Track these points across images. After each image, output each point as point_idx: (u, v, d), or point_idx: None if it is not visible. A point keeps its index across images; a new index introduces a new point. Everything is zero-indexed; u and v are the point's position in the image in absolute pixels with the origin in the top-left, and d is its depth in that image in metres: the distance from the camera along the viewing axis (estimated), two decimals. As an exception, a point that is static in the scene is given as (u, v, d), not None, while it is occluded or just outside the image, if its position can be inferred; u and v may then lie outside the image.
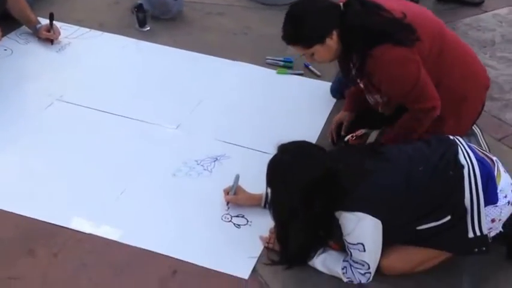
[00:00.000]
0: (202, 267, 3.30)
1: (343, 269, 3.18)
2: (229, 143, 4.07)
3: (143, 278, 3.23)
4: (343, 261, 3.19)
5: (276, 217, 3.25)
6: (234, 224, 3.56)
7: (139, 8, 5.24)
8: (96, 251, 3.36)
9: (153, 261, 3.32)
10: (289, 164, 3.08)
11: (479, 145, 3.75)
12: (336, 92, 4.44)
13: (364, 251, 3.06)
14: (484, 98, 3.84)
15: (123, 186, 3.74)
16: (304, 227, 3.15)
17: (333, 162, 3.10)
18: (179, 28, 5.41)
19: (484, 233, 3.06)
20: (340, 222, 3.06)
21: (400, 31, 3.37)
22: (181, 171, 3.88)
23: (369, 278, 3.16)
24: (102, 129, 4.19)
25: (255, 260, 3.35)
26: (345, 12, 3.40)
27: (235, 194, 3.61)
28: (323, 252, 3.27)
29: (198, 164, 3.93)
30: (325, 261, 3.25)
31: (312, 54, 3.52)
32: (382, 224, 3.02)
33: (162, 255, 3.34)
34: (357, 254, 3.09)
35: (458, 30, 5.56)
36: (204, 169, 3.91)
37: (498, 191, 3.08)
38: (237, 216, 3.60)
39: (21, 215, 3.51)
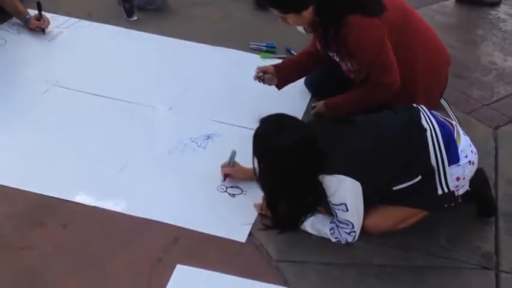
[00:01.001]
0: (202, 233, 3.46)
1: (330, 229, 3.38)
2: (220, 122, 4.22)
3: (148, 245, 3.38)
4: (331, 222, 3.39)
5: (264, 186, 3.43)
6: (229, 194, 3.72)
7: (126, -2, 5.36)
8: (102, 222, 3.50)
9: (156, 229, 3.47)
10: (271, 133, 3.27)
11: (449, 116, 3.89)
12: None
13: (347, 210, 3.26)
14: (447, 72, 4.05)
15: (123, 163, 3.88)
16: (291, 194, 3.35)
17: (310, 130, 3.31)
18: (165, 18, 5.53)
19: (451, 190, 3.29)
20: (324, 185, 3.25)
21: (369, 1, 3.60)
22: (176, 148, 4.03)
23: (354, 237, 3.36)
24: (99, 111, 4.32)
25: (251, 225, 3.52)
26: None
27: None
28: (312, 215, 3.45)
29: (192, 142, 4.09)
30: (314, 224, 3.44)
31: (286, 18, 3.72)
32: (362, 185, 3.22)
33: (164, 223, 3.50)
34: (341, 214, 3.30)
35: (425, 15, 5.66)
36: (198, 146, 4.06)
37: (459, 151, 3.31)
38: (232, 186, 3.76)
39: (28, 191, 3.63)
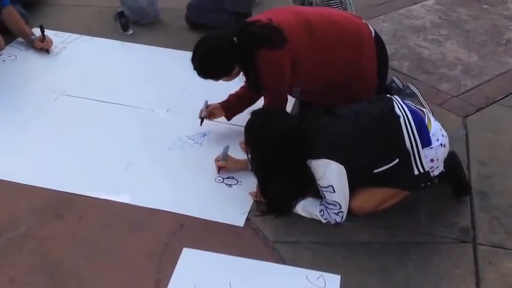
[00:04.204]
0: (205, 219, 3.49)
1: (320, 211, 3.42)
2: (213, 121, 4.20)
3: (157, 231, 3.41)
4: (320, 205, 3.43)
5: (256, 173, 3.50)
6: (226, 184, 3.76)
7: (121, 14, 5.37)
8: (114, 212, 3.52)
9: (163, 217, 3.50)
10: (262, 124, 3.36)
11: (421, 104, 3.97)
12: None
13: (334, 191, 3.31)
14: (372, 42, 3.91)
15: (128, 160, 3.91)
16: (282, 180, 3.40)
17: (298, 121, 3.38)
18: (158, 30, 5.54)
19: (426, 170, 3.34)
20: (312, 169, 3.31)
21: (272, 34, 3.61)
22: (175, 145, 4.06)
23: (342, 217, 3.41)
24: (104, 116, 4.34)
25: (248, 211, 3.55)
26: (238, 45, 3.65)
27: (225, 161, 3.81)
28: (303, 199, 3.49)
29: (189, 139, 4.12)
30: (305, 207, 3.48)
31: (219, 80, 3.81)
32: (345, 168, 3.27)
33: (169, 212, 3.53)
34: (329, 196, 3.34)
35: (394, 20, 5.81)
36: (195, 143, 4.10)
37: (431, 135, 3.36)
38: (228, 177, 3.79)
39: (46, 188, 3.66)
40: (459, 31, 5.70)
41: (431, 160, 3.36)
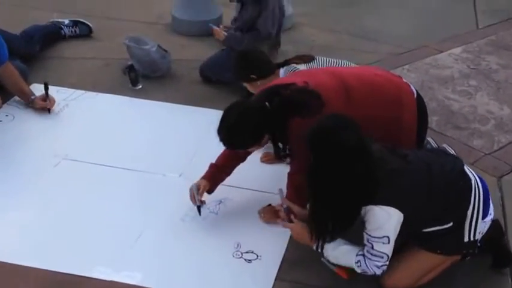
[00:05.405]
0: (221, 303, 3.15)
1: (356, 262, 3.08)
2: (230, 186, 3.86)
3: (167, 318, 3.06)
4: (357, 255, 3.07)
5: (313, 185, 3.01)
6: (245, 259, 3.44)
7: (130, 68, 5.07)
8: (120, 296, 3.17)
9: (175, 300, 3.15)
10: (337, 130, 2.91)
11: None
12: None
13: (389, 243, 2.97)
14: (413, 104, 3.59)
15: (137, 234, 3.58)
16: (336, 203, 2.97)
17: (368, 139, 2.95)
18: (169, 84, 5.22)
19: (476, 239, 3.11)
20: (366, 217, 2.94)
21: (310, 100, 3.29)
22: (188, 216, 3.73)
23: (384, 271, 3.06)
24: (110, 182, 4.02)
25: (270, 291, 3.21)
26: (270, 110, 3.34)
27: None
28: (337, 247, 3.14)
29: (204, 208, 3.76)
30: (338, 259, 3.18)
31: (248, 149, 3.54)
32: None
33: (182, 295, 3.18)
34: (379, 247, 2.98)
35: (420, 70, 5.54)
36: (210, 212, 3.76)
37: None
38: (247, 252, 3.48)
39: (44, 269, 3.31)
40: (489, 81, 5.45)
41: (479, 233, 3.10)
